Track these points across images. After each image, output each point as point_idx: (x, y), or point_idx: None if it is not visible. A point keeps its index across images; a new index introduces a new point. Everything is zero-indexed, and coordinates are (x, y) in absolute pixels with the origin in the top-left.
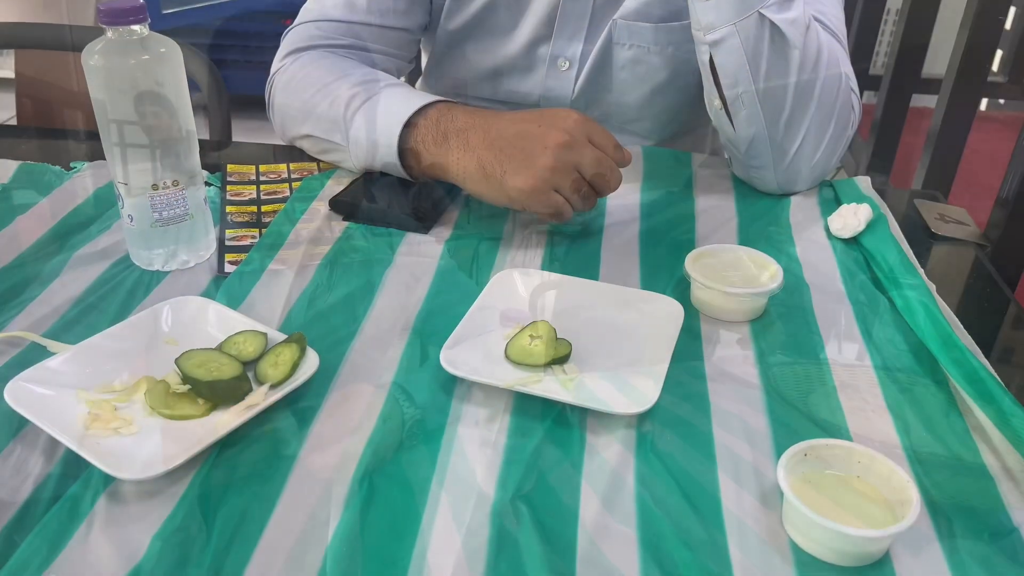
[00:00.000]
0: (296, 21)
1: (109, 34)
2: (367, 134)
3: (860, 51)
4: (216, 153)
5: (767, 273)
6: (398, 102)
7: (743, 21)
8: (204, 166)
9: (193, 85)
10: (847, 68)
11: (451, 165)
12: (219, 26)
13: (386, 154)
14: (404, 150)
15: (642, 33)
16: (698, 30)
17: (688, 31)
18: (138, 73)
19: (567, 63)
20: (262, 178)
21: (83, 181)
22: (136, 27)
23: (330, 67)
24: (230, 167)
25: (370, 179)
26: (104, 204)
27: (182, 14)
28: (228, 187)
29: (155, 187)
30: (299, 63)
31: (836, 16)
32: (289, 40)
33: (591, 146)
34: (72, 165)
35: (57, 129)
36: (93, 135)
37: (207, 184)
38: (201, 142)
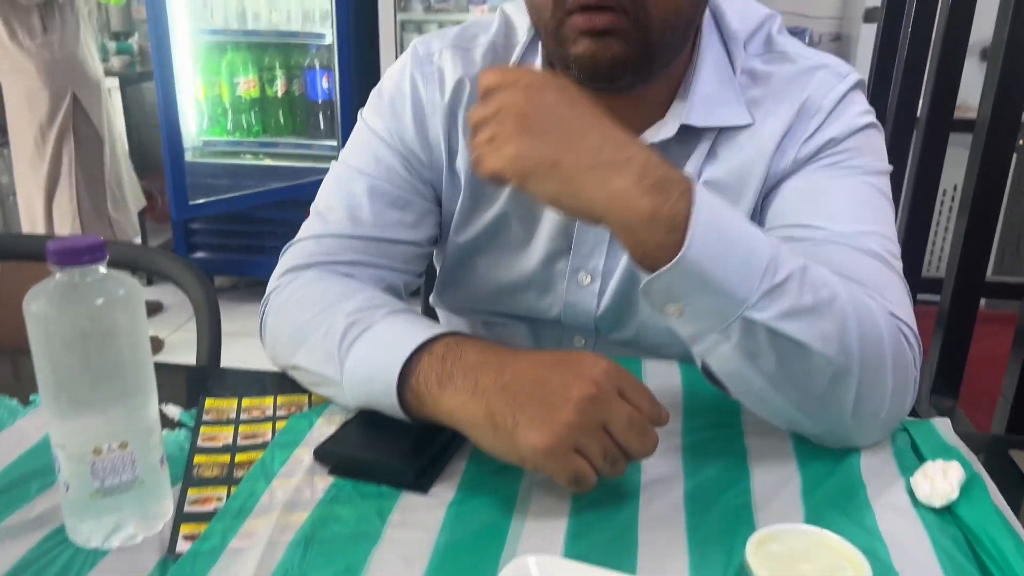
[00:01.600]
0: (296, 237)
1: (59, 276)
2: (364, 370)
3: (909, 251)
4: (197, 384)
5: (850, 568)
6: (399, 334)
7: (729, 327)
8: (181, 399)
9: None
10: (895, 300)
11: (456, 410)
12: (245, 212)
13: (383, 394)
14: (404, 389)
15: None
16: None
17: None
18: (87, 321)
19: (588, 277)
20: (243, 415)
21: (36, 420)
22: (93, 266)
23: (327, 290)
24: (208, 402)
25: (364, 420)
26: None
27: (209, 204)
28: (202, 429)
29: (97, 451)
30: (295, 284)
31: (883, 232)
32: (287, 257)
33: (622, 400)
34: (32, 398)
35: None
36: None
37: (179, 425)
38: (183, 370)
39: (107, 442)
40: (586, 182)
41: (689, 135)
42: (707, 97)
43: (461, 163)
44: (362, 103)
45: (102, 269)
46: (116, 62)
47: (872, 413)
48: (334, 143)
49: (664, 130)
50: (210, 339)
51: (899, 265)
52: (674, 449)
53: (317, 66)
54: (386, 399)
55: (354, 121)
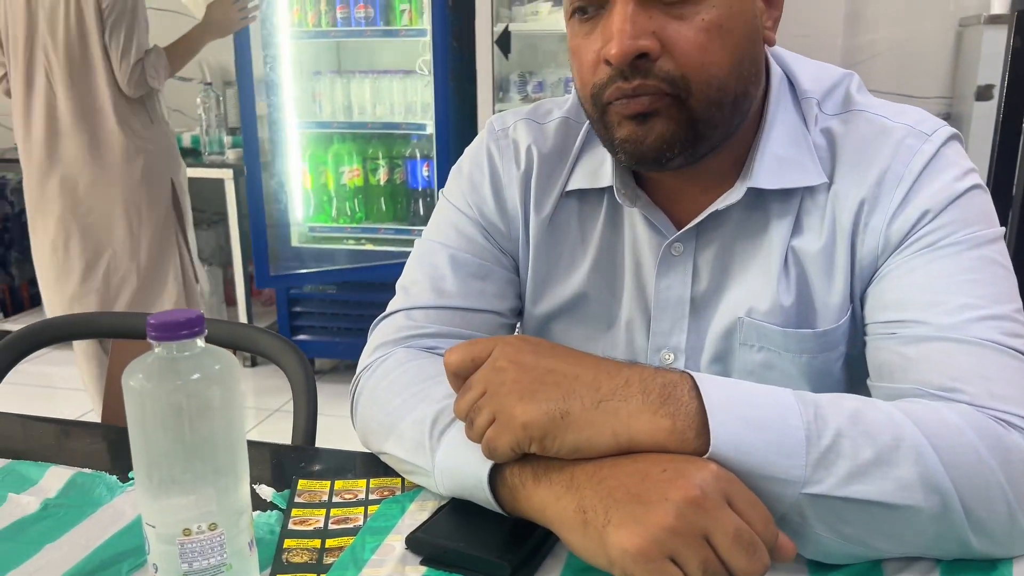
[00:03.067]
0: (384, 313)
1: (157, 351)
2: (454, 462)
3: None
4: (291, 464)
5: None
6: None
7: (798, 509)
8: (274, 479)
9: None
10: (1008, 392)
11: (548, 506)
12: (335, 295)
13: (475, 488)
14: (498, 483)
15: (771, 336)
16: None
17: (825, 339)
18: (182, 397)
19: (671, 355)
20: (335, 499)
21: (132, 498)
22: (191, 340)
23: (418, 372)
24: (301, 483)
25: (458, 508)
26: None
27: (297, 276)
28: (293, 511)
29: (187, 532)
30: (386, 365)
31: (998, 312)
32: (377, 333)
33: (730, 510)
34: (131, 475)
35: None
36: None
37: (270, 507)
38: (277, 449)
39: (197, 523)
40: (600, 420)
41: (762, 201)
42: (778, 159)
43: (532, 234)
44: None
45: (200, 343)
46: (231, 155)
47: (1002, 530)
48: None
49: (731, 196)
50: (306, 418)
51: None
52: (797, 559)
53: (418, 155)
54: (479, 493)
55: None
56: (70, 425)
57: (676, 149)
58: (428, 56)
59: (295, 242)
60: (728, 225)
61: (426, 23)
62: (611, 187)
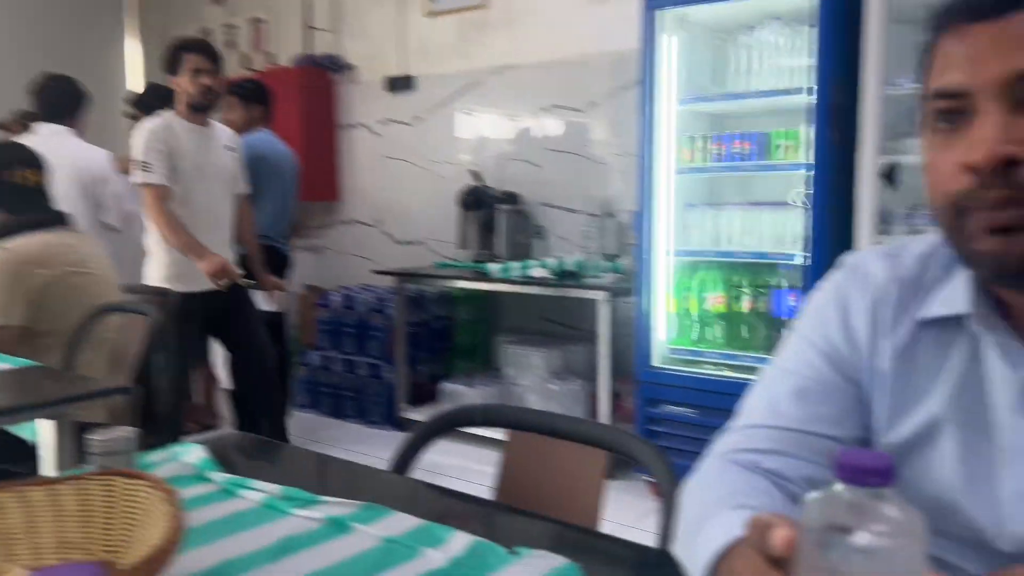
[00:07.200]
0: (730, 425)
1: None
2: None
3: None
4: None
5: None
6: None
7: None
8: None
9: None
10: None
11: None
12: (693, 417)
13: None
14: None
15: None
16: None
17: None
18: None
19: None
20: None
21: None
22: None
23: (717, 485)
24: None
25: None
26: None
27: (660, 375)
28: None
29: None
30: (699, 474)
31: None
32: (713, 446)
33: None
34: (516, 549)
35: None
36: None
37: None
38: None
39: None
40: None
41: None
42: None
43: (882, 362)
44: None
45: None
46: (607, 278)
47: None
48: None
49: None
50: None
51: None
52: None
53: (784, 285)
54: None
55: None
56: (472, 500)
57: None
58: (802, 188)
59: (655, 362)
60: None
61: (802, 157)
62: (967, 315)
